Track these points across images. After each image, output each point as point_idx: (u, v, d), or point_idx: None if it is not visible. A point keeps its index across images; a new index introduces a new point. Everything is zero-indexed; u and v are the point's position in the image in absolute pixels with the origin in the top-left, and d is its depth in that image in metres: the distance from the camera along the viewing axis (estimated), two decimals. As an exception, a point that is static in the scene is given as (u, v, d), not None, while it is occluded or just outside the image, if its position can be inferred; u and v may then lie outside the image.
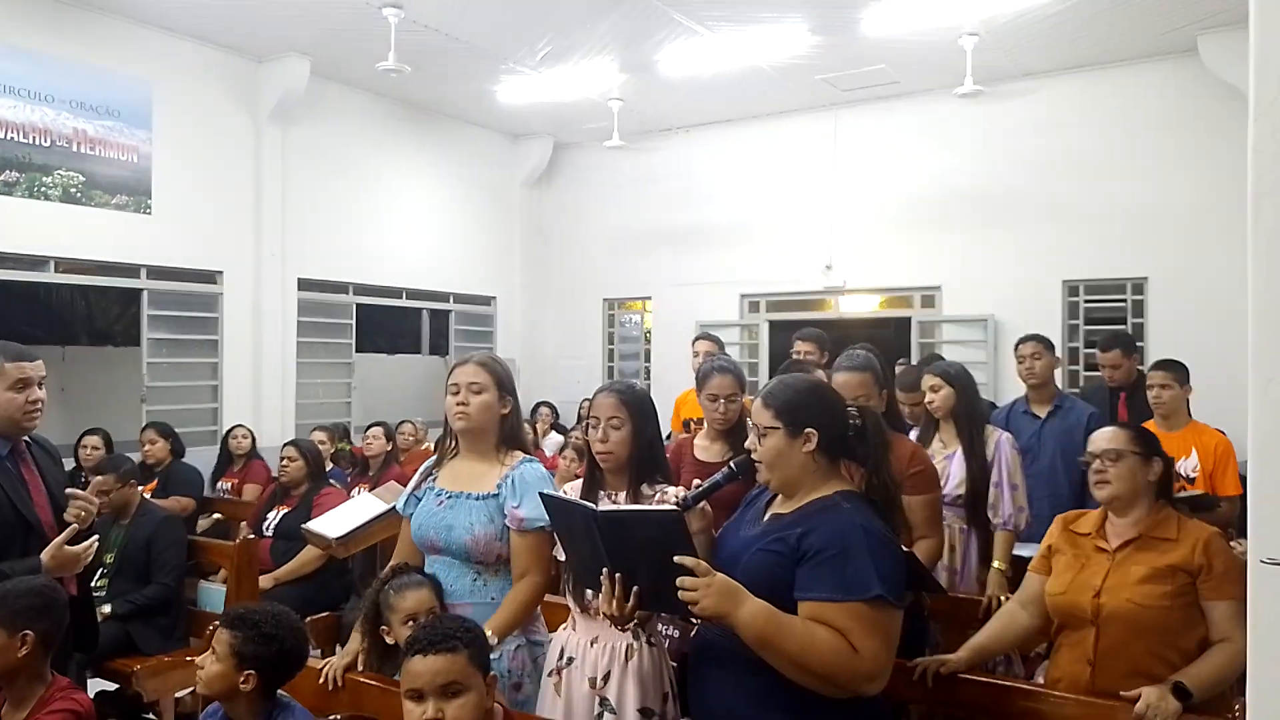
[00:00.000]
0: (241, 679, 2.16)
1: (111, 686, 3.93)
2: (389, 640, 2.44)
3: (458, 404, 2.49)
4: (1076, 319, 7.63)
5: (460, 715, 1.83)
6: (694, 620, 1.90)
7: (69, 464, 4.62)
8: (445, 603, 2.48)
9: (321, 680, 2.46)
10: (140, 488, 4.39)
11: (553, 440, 7.37)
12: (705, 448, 3.19)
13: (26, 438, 2.84)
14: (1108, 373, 4.75)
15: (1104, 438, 2.47)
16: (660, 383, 8.74)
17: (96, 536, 2.85)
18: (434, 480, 2.61)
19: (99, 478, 4.03)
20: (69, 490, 2.83)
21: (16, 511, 2.70)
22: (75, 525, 2.72)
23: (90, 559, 2.78)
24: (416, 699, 1.84)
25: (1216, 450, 3.91)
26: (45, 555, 2.66)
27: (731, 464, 2.10)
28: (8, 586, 2.41)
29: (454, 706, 1.83)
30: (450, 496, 2.53)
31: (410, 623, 2.35)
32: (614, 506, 2.26)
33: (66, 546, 2.68)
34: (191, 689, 3.25)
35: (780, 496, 2.01)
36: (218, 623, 2.26)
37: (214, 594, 4.32)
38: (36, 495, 2.80)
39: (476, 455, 2.56)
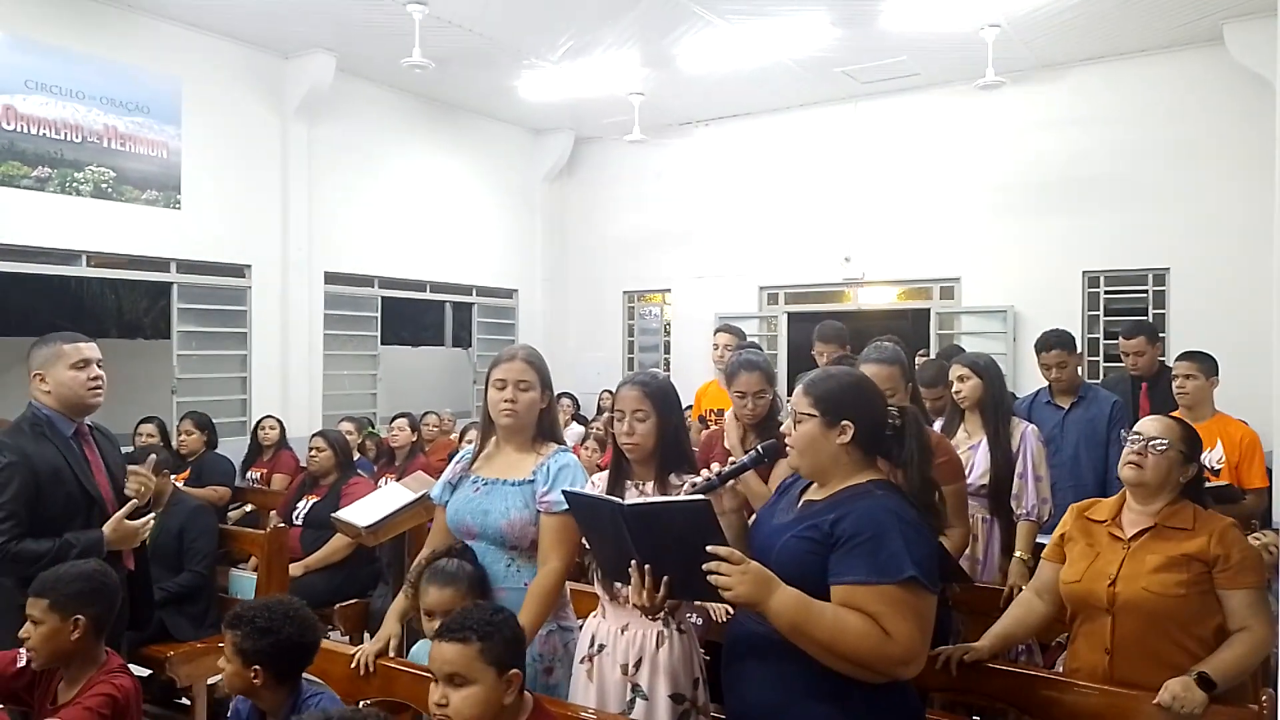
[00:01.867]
0: (251, 675, 2.20)
1: (145, 672, 4.01)
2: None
3: (505, 401, 2.54)
4: (1097, 310, 7.60)
5: (461, 707, 1.85)
6: (724, 604, 1.92)
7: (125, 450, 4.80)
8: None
9: (353, 665, 2.51)
10: (173, 477, 4.47)
11: (574, 431, 7.41)
12: (734, 441, 3.21)
13: (89, 421, 3.00)
14: (1131, 359, 4.70)
15: (1155, 425, 2.46)
16: (680, 374, 8.74)
17: (154, 514, 3.03)
18: (470, 469, 2.67)
19: (132, 467, 4.12)
20: (130, 467, 3.00)
21: (81, 486, 2.87)
22: (135, 500, 2.90)
23: (148, 533, 2.96)
24: (434, 682, 1.91)
25: (1242, 443, 3.90)
26: (107, 528, 2.84)
27: (759, 447, 2.12)
28: (59, 571, 2.49)
29: (457, 697, 1.86)
30: (487, 483, 2.59)
31: (429, 616, 2.38)
32: (640, 499, 2.28)
33: (126, 520, 2.86)
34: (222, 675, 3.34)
35: (814, 484, 2.02)
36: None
37: (245, 582, 4.38)
38: (98, 474, 2.97)
39: (514, 446, 2.62)
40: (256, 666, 2.19)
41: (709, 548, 1.79)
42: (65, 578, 2.46)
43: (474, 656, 1.87)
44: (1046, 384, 4.35)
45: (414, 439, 6.04)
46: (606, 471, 2.59)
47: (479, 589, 2.45)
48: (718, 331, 5.20)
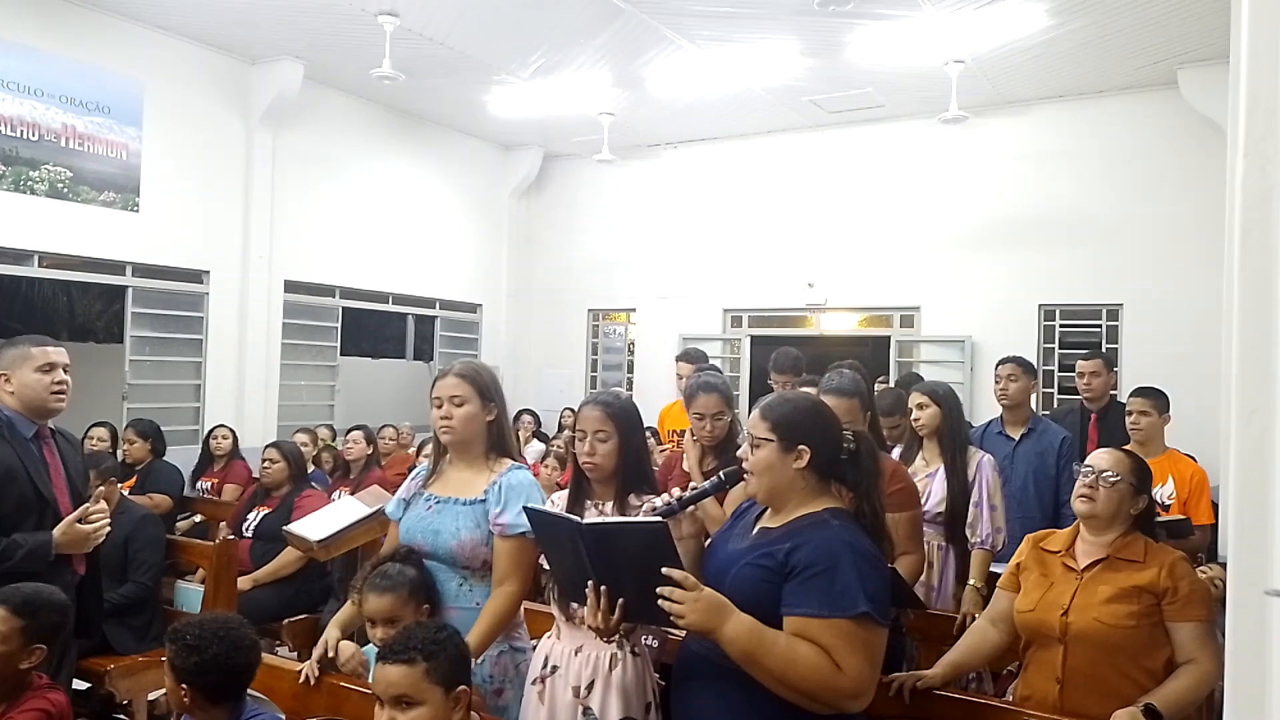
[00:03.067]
0: (182, 693, 2.15)
1: (84, 686, 3.89)
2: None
3: (441, 418, 2.51)
4: (1052, 343, 7.75)
5: None
6: (678, 628, 1.92)
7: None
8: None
9: (302, 680, 2.46)
10: (119, 485, 4.36)
11: (534, 448, 7.36)
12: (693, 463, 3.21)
13: (51, 425, 3.02)
14: (1085, 380, 4.73)
15: (1106, 458, 2.50)
16: (643, 394, 8.77)
17: (108, 520, 2.99)
18: (425, 486, 2.63)
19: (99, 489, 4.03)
20: (86, 506, 2.94)
21: (35, 488, 2.88)
22: (87, 505, 2.91)
23: (100, 539, 2.95)
24: (380, 704, 1.88)
25: (1192, 480, 3.96)
26: (57, 531, 2.84)
27: (721, 473, 2.12)
28: (41, 598, 2.43)
29: (407, 718, 1.85)
30: (439, 502, 2.54)
31: (373, 625, 2.35)
32: (599, 519, 2.27)
33: (78, 525, 2.86)
34: (164, 691, 3.27)
35: (770, 511, 2.02)
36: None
37: (191, 594, 4.28)
38: (56, 477, 2.98)
39: (465, 463, 2.58)
40: (184, 685, 2.15)
41: (664, 571, 1.78)
42: (48, 606, 2.41)
43: (420, 677, 1.85)
44: (999, 415, 4.42)
45: (369, 452, 5.95)
46: (566, 490, 2.57)
47: (421, 594, 2.40)
48: (678, 360, 5.21)
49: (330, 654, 2.48)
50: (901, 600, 2.59)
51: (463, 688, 1.91)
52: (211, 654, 2.16)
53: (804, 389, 3.43)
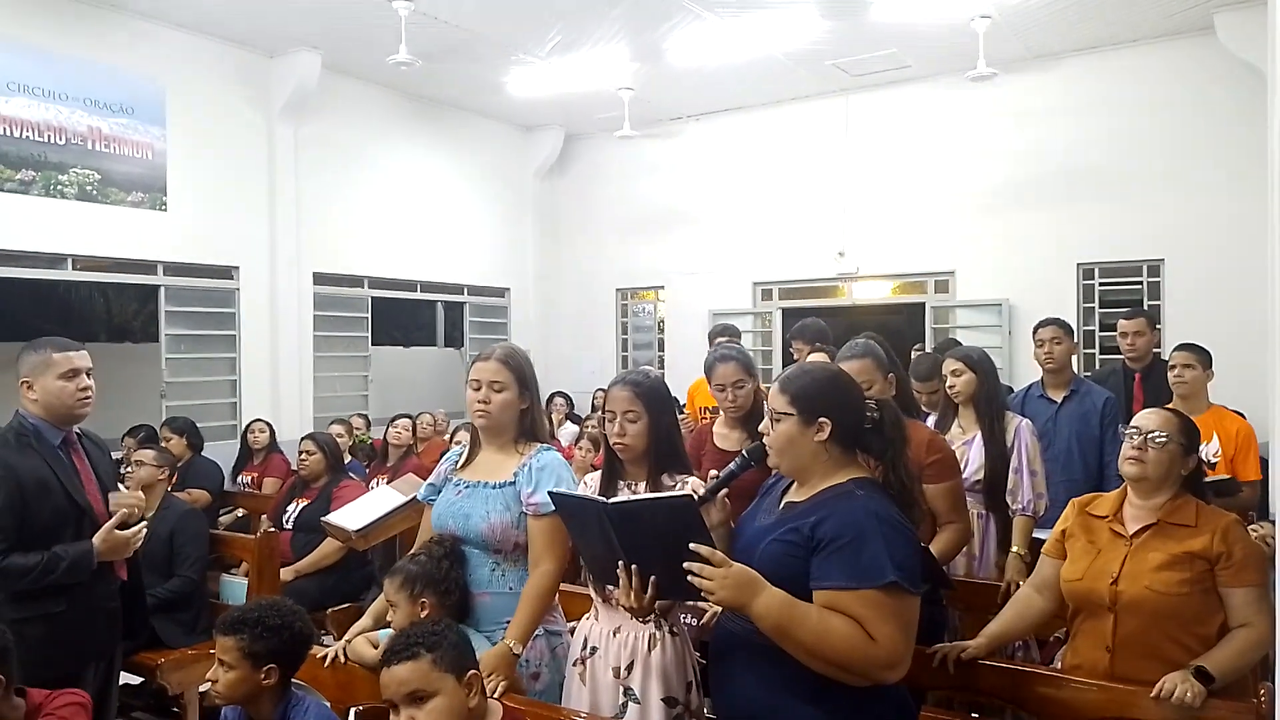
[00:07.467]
0: (263, 676, 2.17)
1: (136, 680, 3.97)
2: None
3: (479, 401, 2.51)
4: (1091, 302, 7.58)
5: None
6: (710, 604, 1.89)
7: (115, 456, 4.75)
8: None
9: (326, 663, 2.50)
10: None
11: (568, 430, 7.38)
12: (724, 435, 3.19)
13: (77, 429, 2.96)
14: (1129, 340, 4.63)
15: (1154, 419, 2.42)
16: (674, 371, 8.74)
17: (145, 523, 2.98)
18: (455, 472, 2.64)
19: (114, 495, 4.06)
20: (110, 494, 2.93)
21: (70, 497, 2.83)
22: (125, 511, 2.86)
23: (140, 544, 2.93)
24: (394, 710, 1.88)
25: (1238, 435, 3.86)
26: (97, 539, 2.81)
27: (745, 452, 2.09)
28: None
29: (424, 713, 1.84)
30: (469, 486, 2.56)
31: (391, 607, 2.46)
32: (625, 497, 2.26)
33: (117, 531, 2.82)
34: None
35: (795, 485, 2.00)
36: (216, 634, 2.24)
37: (236, 587, 4.35)
38: (88, 483, 2.93)
39: (496, 448, 2.59)
40: (271, 665, 2.18)
41: (692, 547, 1.77)
42: None
43: (428, 668, 1.86)
44: (1039, 379, 4.34)
45: (412, 441, 6.02)
46: (598, 473, 2.56)
47: (419, 586, 2.40)
48: (710, 337, 5.22)
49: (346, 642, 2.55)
50: (930, 578, 2.55)
51: (472, 672, 1.93)
52: (298, 628, 2.25)
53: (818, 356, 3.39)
